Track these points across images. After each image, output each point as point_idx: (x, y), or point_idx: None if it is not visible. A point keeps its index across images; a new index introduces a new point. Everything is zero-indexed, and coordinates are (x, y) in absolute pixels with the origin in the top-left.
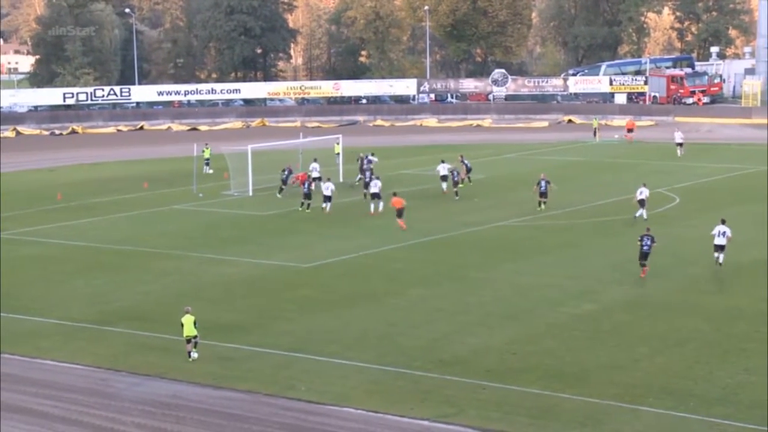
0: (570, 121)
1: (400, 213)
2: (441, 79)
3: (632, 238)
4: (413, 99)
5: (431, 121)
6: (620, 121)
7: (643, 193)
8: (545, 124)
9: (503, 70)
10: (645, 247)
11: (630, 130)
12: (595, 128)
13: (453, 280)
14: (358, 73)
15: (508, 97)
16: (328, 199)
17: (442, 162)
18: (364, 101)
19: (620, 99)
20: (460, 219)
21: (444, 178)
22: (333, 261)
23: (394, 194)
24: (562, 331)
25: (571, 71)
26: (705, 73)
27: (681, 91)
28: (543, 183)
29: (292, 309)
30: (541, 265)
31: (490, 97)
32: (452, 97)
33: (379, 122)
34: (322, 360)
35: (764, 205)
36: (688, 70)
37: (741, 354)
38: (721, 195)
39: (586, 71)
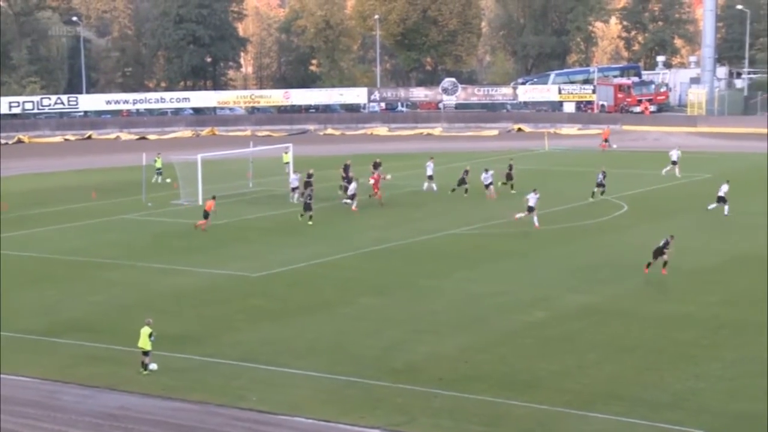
0: (520, 129)
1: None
2: (391, 88)
3: (584, 245)
4: (364, 108)
5: (382, 130)
6: (569, 129)
7: (723, 189)
8: (495, 132)
9: (453, 79)
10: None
11: (606, 140)
12: (606, 140)
13: (405, 288)
14: (308, 81)
15: (458, 106)
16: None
17: (486, 170)
18: (314, 110)
19: (569, 108)
20: (413, 227)
21: (488, 186)
22: (284, 270)
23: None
24: (514, 338)
25: (520, 80)
26: (652, 82)
27: (628, 99)
28: (600, 176)
29: (243, 319)
30: (493, 273)
31: (441, 105)
32: (403, 106)
33: (329, 131)
34: (273, 369)
35: (707, 212)
36: (636, 79)
37: (690, 360)
38: (668, 202)
39: (535, 80)
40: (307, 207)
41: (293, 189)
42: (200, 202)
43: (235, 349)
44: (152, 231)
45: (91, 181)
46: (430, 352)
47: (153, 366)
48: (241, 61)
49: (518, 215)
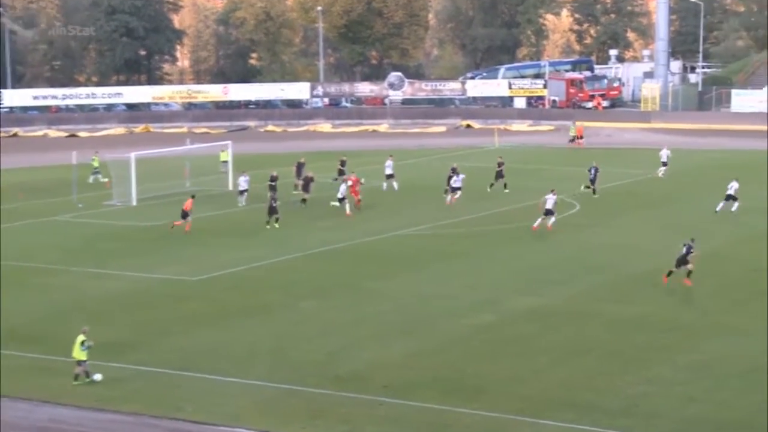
0: (468, 125)
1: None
2: (335, 83)
3: (534, 246)
4: (306, 103)
5: (325, 127)
6: (519, 125)
7: (732, 188)
8: (443, 129)
9: (399, 74)
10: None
11: (580, 137)
12: (574, 135)
13: (348, 291)
14: (248, 76)
15: (404, 101)
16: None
17: (455, 172)
18: (254, 106)
19: (519, 103)
20: (360, 228)
21: (454, 190)
22: (223, 273)
23: None
24: (461, 343)
25: (469, 74)
26: (604, 77)
27: (580, 95)
28: (593, 170)
29: (180, 325)
30: (440, 274)
31: (386, 101)
32: (347, 102)
33: (270, 128)
34: (211, 378)
35: (662, 210)
36: (588, 73)
37: (642, 364)
38: (621, 201)
39: (484, 74)
40: (273, 210)
41: (241, 192)
42: (134, 203)
43: (172, 357)
44: (84, 233)
45: (17, 181)
46: (374, 358)
47: (97, 376)
48: (177, 54)
49: (536, 224)
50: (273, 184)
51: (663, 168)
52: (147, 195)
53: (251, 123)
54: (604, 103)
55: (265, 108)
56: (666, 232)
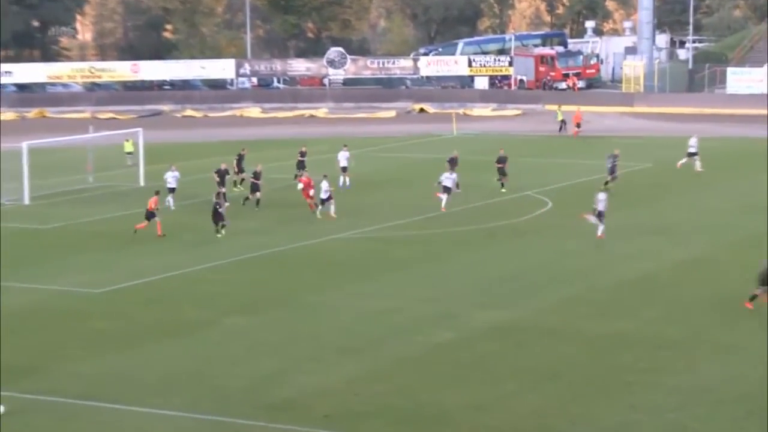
0: (422, 110)
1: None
2: (265, 60)
3: (499, 251)
4: (231, 84)
5: (254, 111)
6: (481, 110)
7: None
8: (392, 113)
9: (341, 49)
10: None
11: (578, 124)
12: (562, 120)
13: (281, 305)
14: (161, 52)
15: (346, 82)
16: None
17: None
18: (169, 87)
19: (481, 83)
20: (295, 230)
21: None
22: (133, 284)
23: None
24: (416, 365)
25: (422, 50)
26: (579, 53)
27: (552, 73)
28: (611, 160)
29: (82, 346)
30: (389, 285)
31: (326, 81)
32: (279, 82)
33: (189, 112)
34: (120, 408)
35: (646, 209)
36: (560, 48)
37: (625, 388)
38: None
39: (440, 50)
40: (217, 216)
41: (170, 190)
42: (26, 201)
43: (72, 384)
44: None
45: None
46: (313, 383)
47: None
48: (78, 26)
49: (599, 232)
50: (220, 180)
51: (687, 159)
52: (42, 192)
53: (166, 107)
54: (580, 84)
55: (182, 89)
56: (650, 234)
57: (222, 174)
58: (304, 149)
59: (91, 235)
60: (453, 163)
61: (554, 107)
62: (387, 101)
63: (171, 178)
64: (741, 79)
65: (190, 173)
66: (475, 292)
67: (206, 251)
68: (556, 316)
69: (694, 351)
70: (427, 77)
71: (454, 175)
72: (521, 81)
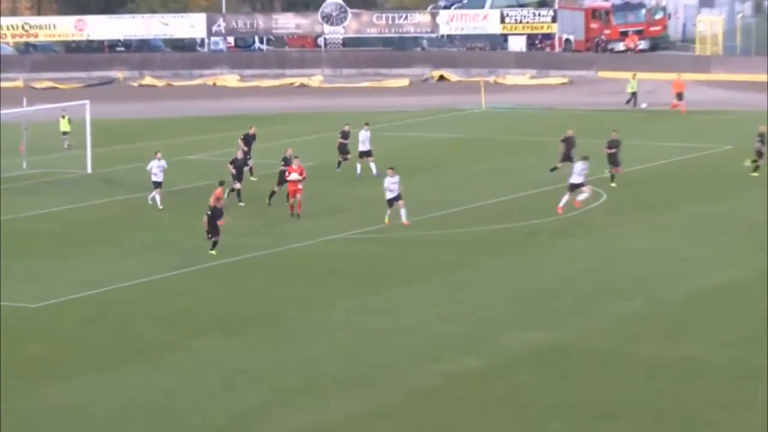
0: (442, 77)
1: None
2: (244, 15)
3: (536, 256)
4: (201, 45)
5: (230, 79)
6: (517, 77)
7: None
8: (405, 82)
9: (339, 1)
10: None
11: (679, 95)
12: (633, 92)
13: (267, 323)
14: (113, 5)
15: (347, 42)
16: None
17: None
18: (123, 49)
19: (517, 44)
20: (281, 230)
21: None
22: (78, 297)
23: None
24: (433, 399)
25: (442, 2)
26: (641, 5)
27: (606, 31)
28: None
29: (15, 375)
30: (399, 298)
31: (321, 41)
32: (262, 43)
33: (148, 81)
34: None
35: (730, 203)
36: (617, 0)
37: (700, 430)
38: (668, 188)
39: (464, 1)
40: (213, 227)
41: (156, 184)
42: None
43: (7, 423)
44: None
45: None
46: (306, 421)
47: None
48: None
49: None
50: (236, 173)
51: None
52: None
53: (119, 74)
54: (642, 44)
55: (139, 51)
56: (731, 235)
57: (240, 166)
58: (347, 127)
59: (25, 235)
60: (569, 144)
61: (627, 75)
62: (398, 67)
63: (157, 169)
64: None
65: (149, 157)
66: (507, 308)
67: (170, 255)
68: (611, 338)
69: None
70: (449, 36)
71: (582, 166)
72: (567, 41)
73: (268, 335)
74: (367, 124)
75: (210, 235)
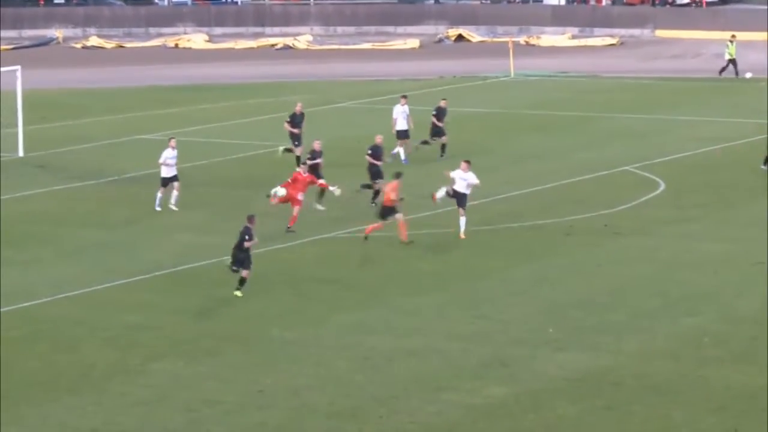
0: (460, 37)
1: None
2: None
3: (576, 259)
4: None
5: (196, 40)
6: (554, 37)
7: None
8: (414, 44)
9: None
10: None
11: None
12: (732, 59)
13: (238, 344)
14: None
15: None
16: None
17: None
18: (63, 1)
19: None
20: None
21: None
22: (5, 312)
23: None
24: None
25: None
26: None
27: None
28: None
29: None
30: (403, 313)
31: None
32: None
33: (94, 41)
34: None
35: None
36: None
37: None
38: (742, 175)
39: None
40: (243, 256)
41: (166, 181)
42: None
43: None
44: None
45: None
46: None
47: None
48: None
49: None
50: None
51: None
52: None
53: (58, 33)
54: None
55: (83, 5)
56: None
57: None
58: (297, 108)
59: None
60: None
61: (691, 35)
62: (406, 24)
63: (170, 160)
64: None
65: (95, 137)
66: (541, 325)
67: (121, 259)
68: (668, 361)
69: None
70: None
71: None
72: None
73: (241, 358)
74: (404, 96)
75: (235, 266)
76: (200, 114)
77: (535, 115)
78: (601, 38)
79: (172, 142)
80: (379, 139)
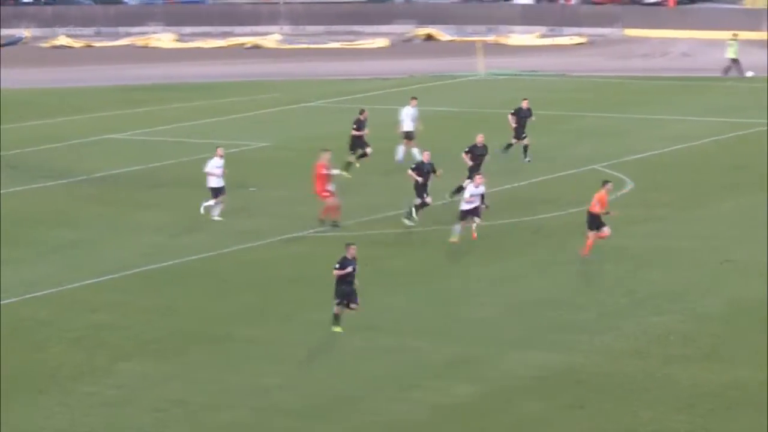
0: (429, 37)
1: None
2: None
3: (541, 258)
4: None
5: (166, 39)
6: (523, 36)
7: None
8: (383, 42)
9: None
10: None
11: None
12: (734, 59)
13: (205, 343)
14: None
15: None
16: None
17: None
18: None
19: None
20: (229, 226)
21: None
22: None
23: None
24: None
25: None
26: None
27: None
28: None
29: None
30: (370, 312)
31: None
32: None
33: (63, 41)
34: None
35: None
36: None
37: None
38: (707, 174)
39: None
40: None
41: (216, 191)
42: None
43: None
44: None
45: None
46: None
47: None
48: None
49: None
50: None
51: None
52: None
53: (26, 32)
54: None
55: (53, 4)
56: None
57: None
58: (363, 116)
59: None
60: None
61: (727, 36)
62: (375, 23)
63: (217, 169)
64: None
65: (64, 137)
66: (508, 324)
67: (89, 259)
68: (635, 359)
69: None
70: None
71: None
72: None
73: (207, 357)
74: (414, 98)
75: (339, 301)
76: (169, 113)
77: (505, 114)
78: (569, 37)
79: (220, 151)
80: (480, 138)
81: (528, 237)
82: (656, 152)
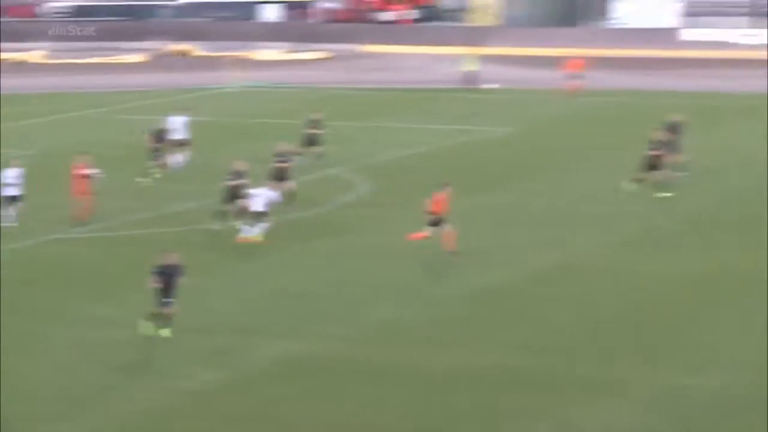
0: (183, 54)
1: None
2: None
3: (287, 258)
4: None
5: None
6: (269, 52)
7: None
8: (141, 57)
9: None
10: None
11: (576, 74)
12: (470, 71)
13: None
14: None
15: (77, 11)
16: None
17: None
18: None
19: (270, 13)
20: None
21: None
22: None
23: None
24: (163, 421)
25: None
26: None
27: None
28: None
29: None
30: (130, 306)
31: (41, 9)
32: None
33: None
34: None
35: (509, 192)
36: None
37: None
38: (437, 177)
39: None
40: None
41: (10, 199)
42: None
43: None
44: None
45: None
46: None
47: None
48: None
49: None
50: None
51: None
52: None
53: None
54: (413, 14)
55: None
56: (507, 228)
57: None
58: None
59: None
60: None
61: (464, 51)
62: (132, 39)
63: (12, 179)
64: (635, 8)
65: None
66: (254, 316)
67: None
68: (371, 346)
69: (564, 391)
70: (188, 4)
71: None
72: (329, 10)
73: None
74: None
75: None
76: None
77: (262, 123)
78: (313, 52)
79: (17, 163)
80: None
81: (279, 236)
82: (392, 157)
